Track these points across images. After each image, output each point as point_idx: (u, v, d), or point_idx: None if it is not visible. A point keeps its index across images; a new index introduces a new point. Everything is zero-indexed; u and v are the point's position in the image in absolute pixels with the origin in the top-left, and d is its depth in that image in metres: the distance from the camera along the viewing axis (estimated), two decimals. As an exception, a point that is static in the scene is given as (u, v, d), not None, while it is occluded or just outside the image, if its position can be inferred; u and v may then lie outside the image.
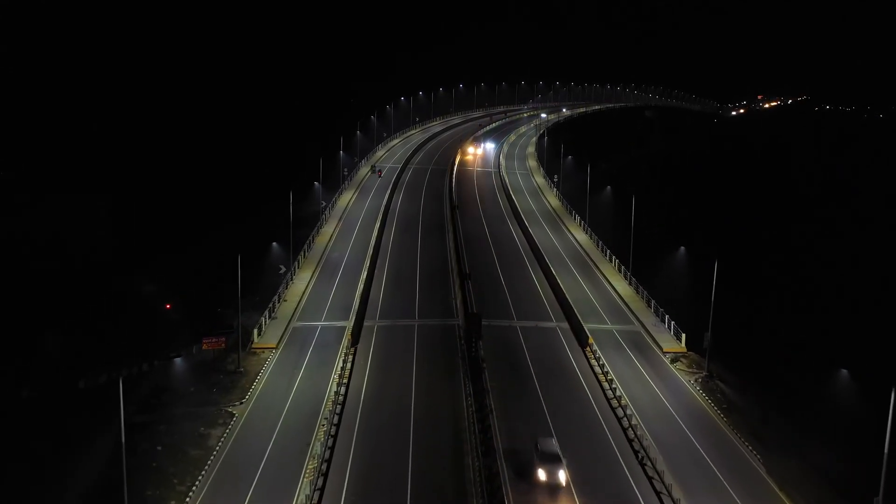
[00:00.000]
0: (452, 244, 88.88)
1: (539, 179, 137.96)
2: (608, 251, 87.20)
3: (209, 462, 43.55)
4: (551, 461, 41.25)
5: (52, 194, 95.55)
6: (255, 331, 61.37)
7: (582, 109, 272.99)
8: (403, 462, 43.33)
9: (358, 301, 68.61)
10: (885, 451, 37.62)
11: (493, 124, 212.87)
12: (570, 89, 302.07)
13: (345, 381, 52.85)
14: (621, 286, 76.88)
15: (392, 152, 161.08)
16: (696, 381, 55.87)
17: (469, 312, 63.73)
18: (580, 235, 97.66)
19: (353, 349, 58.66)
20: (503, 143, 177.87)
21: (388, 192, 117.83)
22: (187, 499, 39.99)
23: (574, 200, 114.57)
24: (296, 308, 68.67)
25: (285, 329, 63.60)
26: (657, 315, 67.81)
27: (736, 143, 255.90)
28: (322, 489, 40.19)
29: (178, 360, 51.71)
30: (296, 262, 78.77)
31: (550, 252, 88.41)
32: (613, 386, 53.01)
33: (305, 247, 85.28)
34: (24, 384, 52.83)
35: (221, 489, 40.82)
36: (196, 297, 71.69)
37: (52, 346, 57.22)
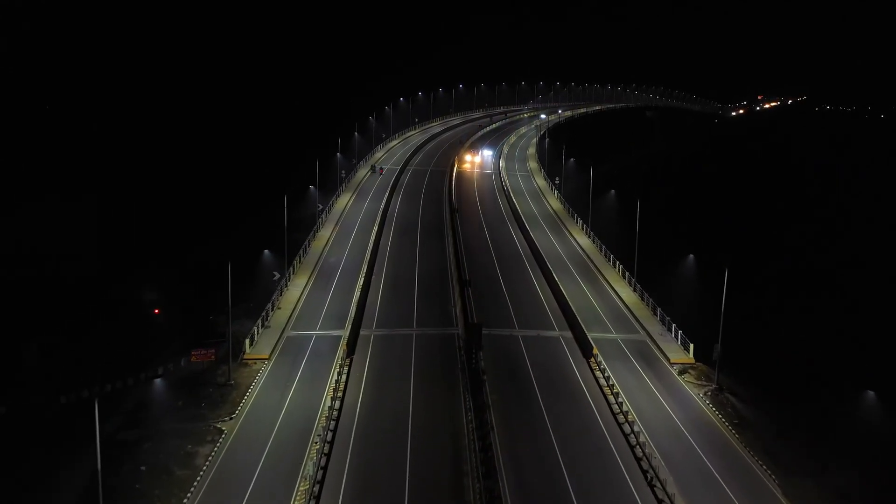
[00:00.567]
0: (452, 249, 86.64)
1: (540, 181, 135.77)
2: (611, 256, 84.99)
3: (196, 483, 41.34)
4: None
5: (35, 198, 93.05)
6: (247, 341, 59.12)
7: (583, 110, 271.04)
8: (400, 483, 41.15)
9: (354, 309, 66.39)
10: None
11: (494, 125, 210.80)
12: (570, 89, 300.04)
13: (339, 395, 50.64)
14: (626, 293, 74.68)
15: (391, 153, 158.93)
16: (705, 394, 53.68)
17: (469, 322, 61.53)
18: (582, 239, 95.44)
19: (348, 360, 56.46)
20: (503, 145, 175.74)
21: (387, 194, 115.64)
22: (171, 524, 37.85)
23: (575, 202, 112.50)
24: (290, 316, 66.44)
25: (278, 339, 61.37)
26: (664, 323, 65.62)
27: (736, 144, 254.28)
28: (314, 513, 38.09)
29: (158, 381, 49.34)
30: (290, 268, 76.53)
31: (552, 257, 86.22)
32: (619, 400, 50.80)
33: (301, 251, 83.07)
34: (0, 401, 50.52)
35: (208, 513, 38.70)
36: (188, 304, 69.51)
37: (33, 358, 54.93)
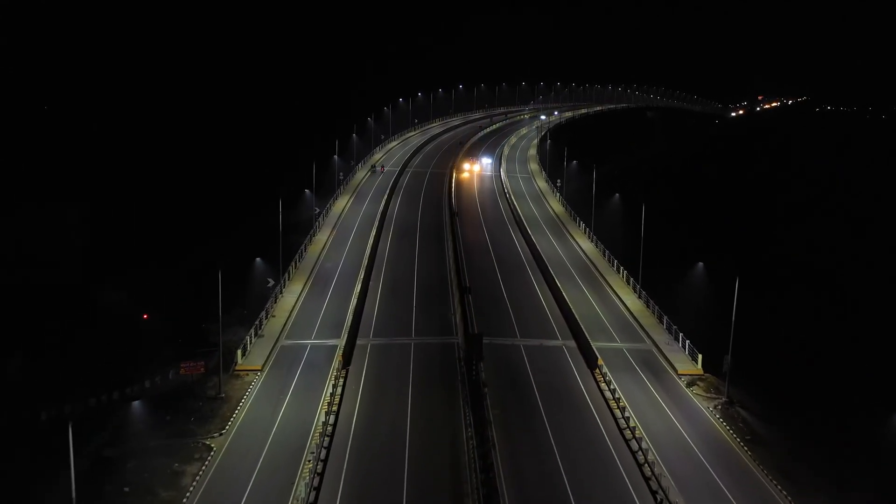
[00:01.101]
0: (452, 253, 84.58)
1: (541, 183, 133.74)
2: (615, 261, 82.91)
3: (182, 505, 39.32)
4: None
5: (23, 202, 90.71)
6: (239, 352, 57.00)
7: (583, 110, 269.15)
8: (397, 506, 39.12)
9: (351, 317, 64.36)
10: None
11: (494, 125, 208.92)
12: (571, 90, 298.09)
13: (334, 409, 48.54)
14: (630, 299, 72.60)
15: (390, 154, 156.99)
16: (714, 407, 51.59)
17: (469, 332, 59.41)
18: (585, 243, 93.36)
19: (344, 371, 54.36)
20: (504, 146, 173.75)
21: (386, 196, 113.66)
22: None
23: (576, 204, 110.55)
24: (284, 324, 64.33)
25: (272, 349, 59.25)
26: (670, 332, 63.51)
27: (736, 145, 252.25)
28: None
29: (136, 404, 47.19)
30: (286, 275, 74.41)
31: (554, 261, 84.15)
32: (626, 415, 48.67)
33: (297, 256, 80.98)
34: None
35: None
36: (180, 311, 67.44)
37: (15, 371, 52.78)
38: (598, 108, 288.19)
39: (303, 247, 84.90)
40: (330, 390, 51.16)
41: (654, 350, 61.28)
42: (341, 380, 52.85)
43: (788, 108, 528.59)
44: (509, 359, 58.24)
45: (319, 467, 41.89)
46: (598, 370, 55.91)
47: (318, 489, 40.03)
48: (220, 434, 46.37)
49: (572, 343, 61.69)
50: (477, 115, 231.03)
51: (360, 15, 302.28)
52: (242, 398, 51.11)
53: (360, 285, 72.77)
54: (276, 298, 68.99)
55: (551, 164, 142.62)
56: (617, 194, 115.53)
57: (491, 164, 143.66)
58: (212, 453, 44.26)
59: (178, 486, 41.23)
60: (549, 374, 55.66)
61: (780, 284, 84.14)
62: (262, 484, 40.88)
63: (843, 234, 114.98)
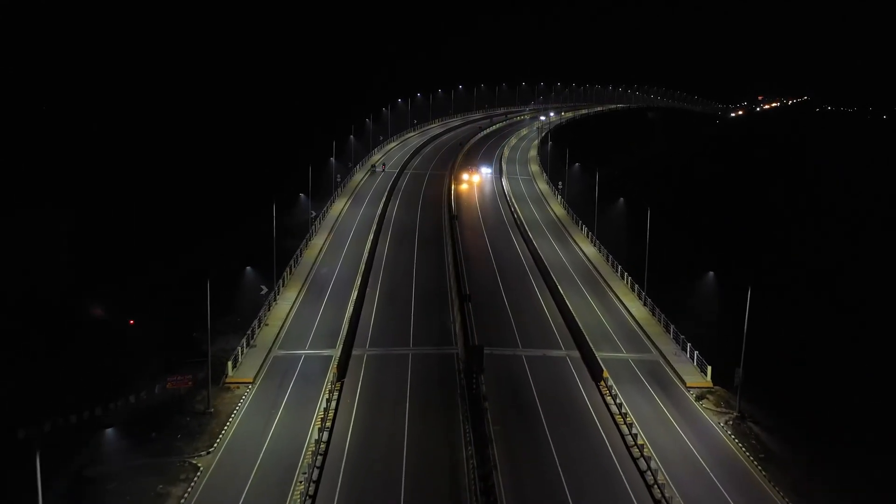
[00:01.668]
0: (451, 259, 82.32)
1: (542, 185, 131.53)
2: (619, 266, 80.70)
3: (165, 531, 37.13)
4: None
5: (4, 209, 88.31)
6: (230, 363, 54.75)
7: (584, 111, 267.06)
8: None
9: (346, 326, 62.16)
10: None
11: (494, 126, 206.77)
12: (571, 90, 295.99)
13: (328, 425, 46.35)
14: (635, 307, 70.38)
15: (389, 156, 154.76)
16: (725, 423, 49.37)
17: (469, 344, 57.18)
18: (588, 248, 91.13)
19: (338, 384, 52.17)
20: (504, 147, 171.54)
21: (384, 199, 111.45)
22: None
23: (578, 206, 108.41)
24: (278, 334, 62.10)
25: (264, 359, 56.99)
26: (677, 342, 61.25)
27: (736, 146, 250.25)
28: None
29: (109, 431, 44.89)
30: (280, 281, 72.17)
31: (557, 267, 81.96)
32: (634, 432, 46.45)
33: (292, 262, 78.71)
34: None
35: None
36: (171, 319, 65.13)
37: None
38: (599, 109, 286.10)
39: (298, 251, 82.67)
40: (324, 405, 48.94)
41: (661, 361, 59.08)
42: (336, 393, 50.69)
43: (789, 108, 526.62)
44: (510, 370, 56.06)
45: (311, 489, 39.75)
46: (603, 382, 53.73)
47: (309, 514, 37.89)
48: (208, 452, 44.13)
49: (576, 353, 59.49)
50: (477, 116, 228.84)
51: (360, 15, 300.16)
52: (232, 413, 48.90)
53: (356, 292, 70.58)
54: (269, 306, 66.77)
55: (552, 166, 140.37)
56: (621, 199, 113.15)
57: (490, 173, 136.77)
58: (198, 473, 42.04)
59: (161, 509, 39.05)
60: (552, 387, 53.47)
61: (787, 288, 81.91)
62: (250, 506, 38.72)
63: (849, 236, 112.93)
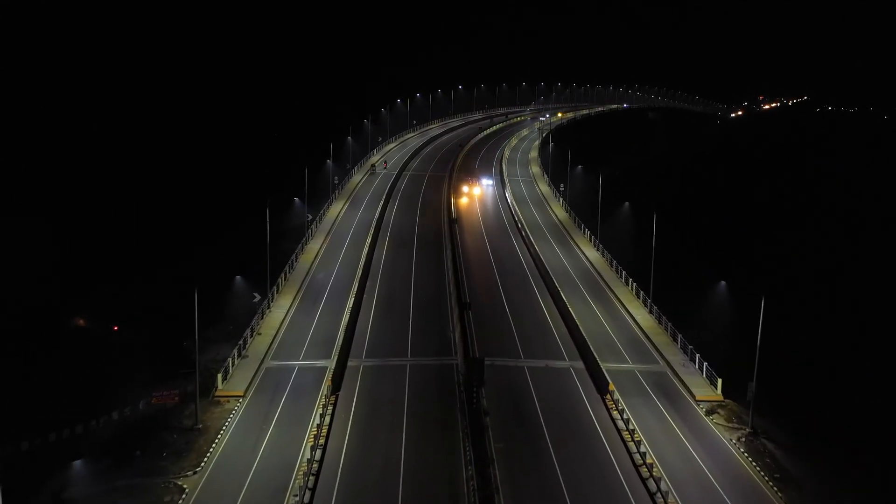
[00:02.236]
0: (451, 264, 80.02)
1: (543, 187, 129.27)
2: (623, 272, 78.47)
3: (147, 559, 34.94)
4: None
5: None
6: (220, 375, 52.52)
7: (585, 111, 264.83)
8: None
9: (342, 336, 59.98)
10: None
11: (494, 126, 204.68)
12: (572, 91, 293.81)
13: (321, 442, 44.16)
14: (641, 314, 68.16)
15: (388, 157, 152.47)
16: (738, 439, 47.16)
17: (469, 355, 54.97)
18: (591, 253, 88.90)
19: (333, 398, 49.99)
20: (504, 147, 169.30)
21: (382, 202, 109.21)
22: None
23: (580, 208, 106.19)
24: (271, 343, 59.88)
25: (256, 371, 54.78)
26: (685, 352, 59.05)
27: (735, 146, 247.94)
28: None
29: (77, 463, 42.59)
30: (274, 288, 69.94)
31: (559, 272, 79.74)
32: (643, 450, 44.26)
33: (287, 267, 76.49)
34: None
35: None
36: (159, 328, 62.87)
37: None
38: (599, 109, 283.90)
39: (294, 256, 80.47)
40: (317, 420, 46.79)
41: (669, 372, 56.88)
42: (330, 408, 48.50)
43: (789, 108, 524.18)
44: (512, 382, 53.89)
45: (303, 513, 37.61)
46: (608, 396, 51.54)
47: (300, 540, 35.73)
48: (195, 472, 41.92)
49: (580, 364, 57.30)
50: (477, 116, 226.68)
51: (360, 15, 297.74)
52: (221, 429, 46.71)
53: (352, 299, 68.40)
54: (262, 314, 64.55)
55: (553, 167, 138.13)
56: (626, 203, 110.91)
57: (492, 185, 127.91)
58: (184, 495, 39.84)
59: (144, 535, 36.88)
60: (556, 401, 51.27)
61: (792, 292, 79.52)
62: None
63: (852, 238, 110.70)
